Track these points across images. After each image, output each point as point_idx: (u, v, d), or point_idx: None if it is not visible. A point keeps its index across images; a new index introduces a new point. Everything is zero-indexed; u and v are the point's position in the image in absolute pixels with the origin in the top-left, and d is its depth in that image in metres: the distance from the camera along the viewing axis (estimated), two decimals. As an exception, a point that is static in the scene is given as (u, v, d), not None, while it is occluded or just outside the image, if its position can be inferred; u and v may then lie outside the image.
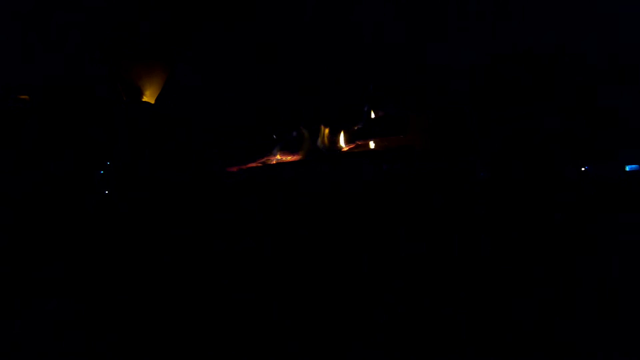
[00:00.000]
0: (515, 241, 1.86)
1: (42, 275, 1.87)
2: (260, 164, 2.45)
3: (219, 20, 2.84)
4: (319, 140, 2.47)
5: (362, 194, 2.09)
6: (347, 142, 2.50)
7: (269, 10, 2.82)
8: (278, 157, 2.48)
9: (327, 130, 2.49)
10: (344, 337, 1.52)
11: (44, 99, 2.59)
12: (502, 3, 2.68)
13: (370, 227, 1.94)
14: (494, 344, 1.46)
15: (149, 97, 2.81)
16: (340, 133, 2.50)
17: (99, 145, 2.50)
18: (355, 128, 2.51)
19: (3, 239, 2.02)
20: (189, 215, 2.11)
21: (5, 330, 1.62)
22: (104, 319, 1.65)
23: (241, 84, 2.84)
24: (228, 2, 2.83)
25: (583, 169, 2.25)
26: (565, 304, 1.59)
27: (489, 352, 1.44)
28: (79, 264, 1.92)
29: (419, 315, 1.59)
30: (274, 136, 2.56)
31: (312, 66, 2.79)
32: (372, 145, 2.52)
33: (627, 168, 2.22)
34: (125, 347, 1.54)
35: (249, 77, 2.86)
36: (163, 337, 1.57)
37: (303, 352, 1.48)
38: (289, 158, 2.48)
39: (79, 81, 2.70)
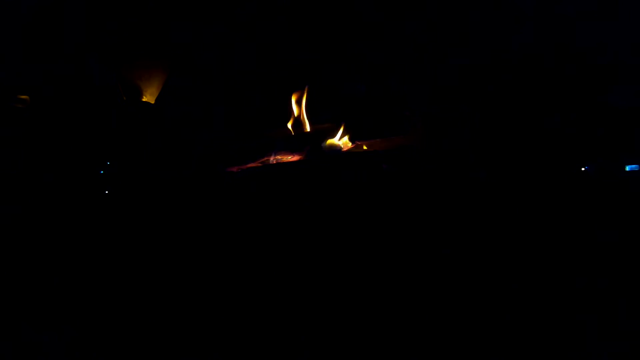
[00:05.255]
0: (515, 241, 1.86)
1: (43, 275, 1.87)
2: (260, 164, 2.45)
3: (219, 19, 2.84)
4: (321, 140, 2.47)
5: (362, 194, 2.09)
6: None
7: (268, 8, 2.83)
8: (278, 157, 2.48)
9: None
10: (343, 338, 1.53)
11: (44, 99, 2.59)
12: (503, 3, 2.68)
13: (370, 228, 1.94)
14: (494, 347, 1.46)
15: (149, 97, 2.81)
16: (340, 133, 2.50)
17: (99, 145, 2.50)
18: (355, 127, 2.51)
19: (4, 239, 2.02)
20: (189, 216, 2.11)
21: (6, 330, 1.62)
22: (103, 319, 1.65)
23: (241, 83, 2.85)
24: (229, 3, 2.83)
25: (583, 169, 2.25)
26: (567, 305, 1.59)
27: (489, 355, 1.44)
28: (79, 263, 1.92)
29: (416, 318, 1.59)
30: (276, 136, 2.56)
31: (312, 65, 2.80)
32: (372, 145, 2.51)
33: (627, 168, 2.22)
34: (126, 346, 1.54)
35: (249, 76, 2.86)
36: (164, 337, 1.57)
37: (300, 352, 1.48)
38: (289, 158, 2.48)
39: (79, 81, 2.70)
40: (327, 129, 2.50)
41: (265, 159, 2.47)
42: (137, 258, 1.92)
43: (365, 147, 2.49)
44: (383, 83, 2.75)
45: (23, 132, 2.46)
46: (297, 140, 2.50)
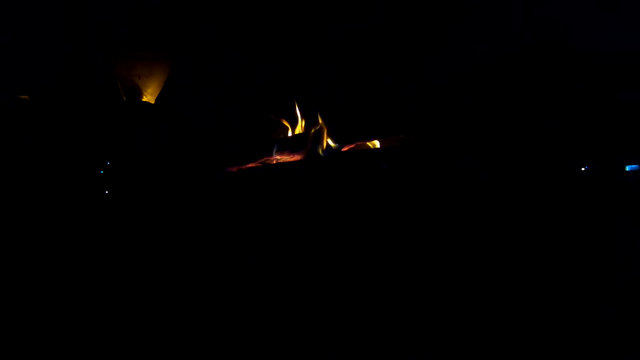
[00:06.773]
0: (516, 242, 1.86)
1: (43, 276, 1.87)
2: (260, 164, 2.45)
3: (218, 20, 2.85)
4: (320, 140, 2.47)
5: (362, 194, 2.09)
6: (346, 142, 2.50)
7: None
8: (278, 157, 2.48)
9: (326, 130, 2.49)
10: (343, 338, 1.53)
11: (44, 99, 2.60)
12: (502, 2, 2.68)
13: (370, 228, 1.94)
14: (493, 347, 1.46)
15: (149, 97, 2.81)
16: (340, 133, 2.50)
17: (99, 145, 2.50)
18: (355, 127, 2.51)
19: (3, 239, 2.02)
20: (189, 216, 2.11)
21: (5, 332, 1.62)
22: (103, 319, 1.65)
23: (241, 83, 2.85)
24: (229, 3, 2.84)
25: (583, 169, 2.25)
26: (568, 306, 1.59)
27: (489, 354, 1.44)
28: (79, 263, 1.92)
29: (416, 317, 1.59)
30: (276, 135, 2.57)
31: (310, 66, 2.80)
32: (371, 145, 2.52)
33: (627, 168, 2.22)
34: (124, 346, 1.54)
35: (248, 76, 2.86)
36: (161, 338, 1.57)
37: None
38: (288, 158, 2.48)
39: (79, 81, 2.70)
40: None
41: (265, 159, 2.47)
42: (136, 257, 1.92)
43: (372, 145, 2.49)
44: (383, 84, 2.75)
45: (23, 132, 2.47)
46: (297, 141, 2.51)
